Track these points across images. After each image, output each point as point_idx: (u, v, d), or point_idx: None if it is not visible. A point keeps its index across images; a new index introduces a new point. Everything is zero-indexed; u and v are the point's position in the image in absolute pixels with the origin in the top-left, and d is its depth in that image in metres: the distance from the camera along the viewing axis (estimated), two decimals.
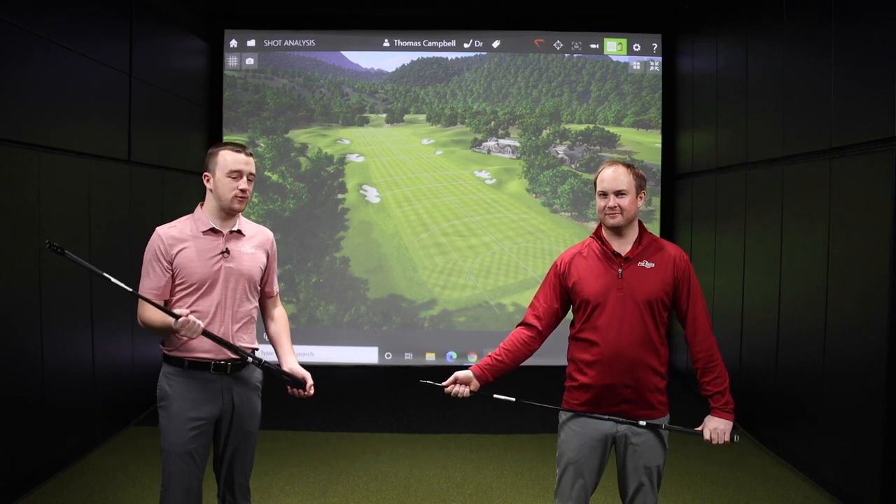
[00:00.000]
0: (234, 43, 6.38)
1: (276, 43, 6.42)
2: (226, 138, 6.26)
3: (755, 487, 3.87)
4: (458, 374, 2.40)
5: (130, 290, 2.24)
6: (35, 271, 3.65)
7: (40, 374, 3.70)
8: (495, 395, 2.43)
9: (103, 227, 4.31)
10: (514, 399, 2.41)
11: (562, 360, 2.51)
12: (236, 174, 2.41)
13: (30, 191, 3.61)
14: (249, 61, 6.41)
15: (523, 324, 2.46)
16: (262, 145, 6.40)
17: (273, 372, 2.45)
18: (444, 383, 2.41)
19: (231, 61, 6.39)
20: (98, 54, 4.23)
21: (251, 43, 6.40)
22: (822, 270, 3.77)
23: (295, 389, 2.49)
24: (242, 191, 2.42)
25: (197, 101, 5.99)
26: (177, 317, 2.21)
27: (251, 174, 2.46)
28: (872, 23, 3.33)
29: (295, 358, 2.57)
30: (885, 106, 3.19)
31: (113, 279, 2.21)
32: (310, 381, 2.49)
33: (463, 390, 2.38)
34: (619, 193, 2.30)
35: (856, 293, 3.50)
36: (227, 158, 2.42)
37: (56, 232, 3.81)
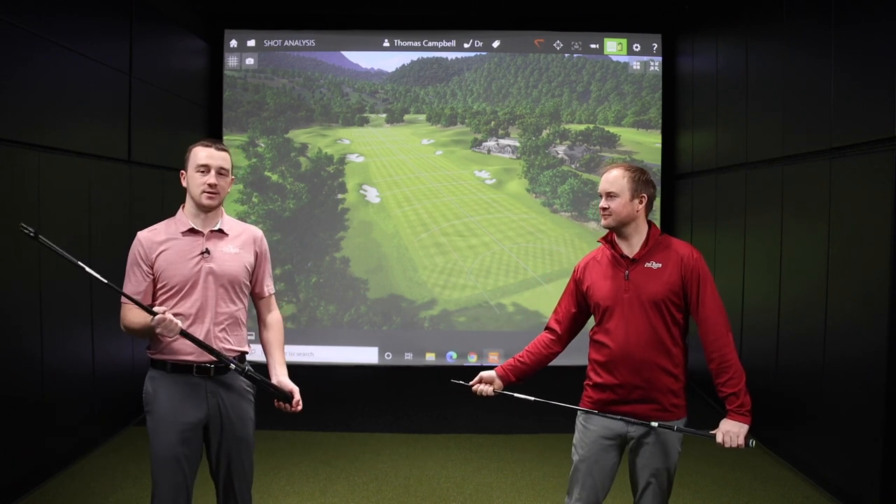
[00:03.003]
0: (234, 43, 6.38)
1: (276, 43, 6.42)
2: (226, 138, 6.27)
3: (755, 487, 3.87)
4: (483, 374, 2.53)
5: (105, 280, 2.18)
6: (35, 271, 3.65)
7: (40, 374, 3.70)
8: (516, 395, 2.51)
9: (103, 227, 4.30)
10: (532, 398, 2.49)
11: (578, 361, 2.56)
12: (204, 168, 2.36)
13: (30, 191, 3.61)
14: (249, 61, 6.41)
15: (546, 328, 2.57)
16: (262, 145, 6.40)
17: (257, 382, 2.38)
18: (470, 383, 2.53)
19: (231, 61, 6.39)
20: (98, 54, 4.23)
21: (251, 43, 6.40)
22: (822, 270, 3.77)
23: (281, 403, 2.43)
24: (211, 185, 2.35)
25: (197, 101, 5.99)
26: (154, 314, 2.17)
27: (222, 168, 2.39)
28: (872, 23, 3.32)
29: (285, 370, 2.49)
30: (885, 106, 3.19)
31: (87, 268, 2.18)
32: (297, 397, 2.43)
33: (487, 389, 2.51)
34: (609, 195, 2.35)
35: (856, 293, 3.50)
36: (197, 154, 2.38)
37: (56, 232, 3.81)
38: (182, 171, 2.42)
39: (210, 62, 6.28)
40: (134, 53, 4.68)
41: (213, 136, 6.21)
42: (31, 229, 2.10)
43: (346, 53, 6.50)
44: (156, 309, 2.20)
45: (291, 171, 6.42)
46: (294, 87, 6.46)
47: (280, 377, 2.46)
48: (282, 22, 6.39)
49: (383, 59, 6.49)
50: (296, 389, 2.44)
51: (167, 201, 5.18)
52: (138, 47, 4.75)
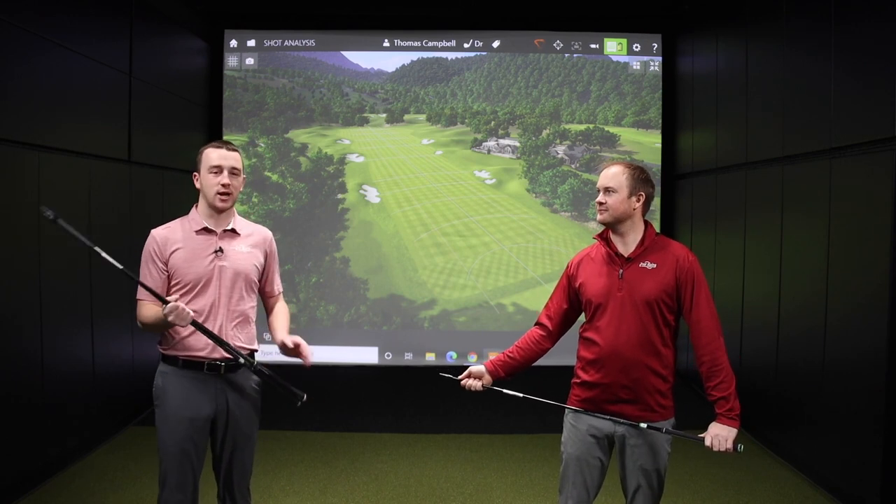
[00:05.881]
0: (234, 43, 6.38)
1: (276, 43, 6.42)
2: (226, 138, 6.25)
3: (755, 487, 3.87)
4: (472, 368, 2.52)
5: (121, 266, 2.27)
6: (35, 271, 3.65)
7: (40, 374, 3.70)
8: (504, 391, 2.50)
9: (103, 227, 4.30)
10: (521, 394, 2.49)
11: (567, 361, 2.55)
12: (216, 169, 2.42)
13: (30, 191, 3.61)
14: (249, 61, 6.41)
15: (536, 323, 2.55)
16: (262, 145, 6.40)
17: (266, 377, 2.41)
18: (459, 377, 2.52)
19: (231, 61, 6.39)
20: (98, 54, 4.23)
21: (251, 43, 6.40)
22: (822, 270, 3.77)
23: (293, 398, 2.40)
24: (224, 186, 2.41)
25: (197, 101, 5.99)
26: (166, 302, 2.23)
27: (234, 168, 2.44)
28: (872, 23, 3.33)
29: (286, 331, 2.55)
30: (885, 106, 3.19)
31: (104, 254, 2.27)
32: (307, 352, 2.43)
33: (475, 384, 2.50)
34: (607, 190, 2.34)
35: (856, 293, 3.50)
36: (209, 155, 2.44)
37: (55, 232, 3.81)
38: (195, 174, 2.47)
39: (210, 62, 6.28)
40: (134, 53, 4.68)
41: (214, 136, 6.21)
42: (51, 212, 2.22)
43: (346, 53, 6.50)
44: (168, 298, 2.26)
45: (291, 171, 6.42)
46: (294, 87, 6.46)
47: (282, 337, 2.49)
48: (282, 22, 6.39)
49: (383, 59, 6.49)
50: (301, 341, 2.45)
51: (167, 201, 5.18)
52: (138, 47, 4.75)
